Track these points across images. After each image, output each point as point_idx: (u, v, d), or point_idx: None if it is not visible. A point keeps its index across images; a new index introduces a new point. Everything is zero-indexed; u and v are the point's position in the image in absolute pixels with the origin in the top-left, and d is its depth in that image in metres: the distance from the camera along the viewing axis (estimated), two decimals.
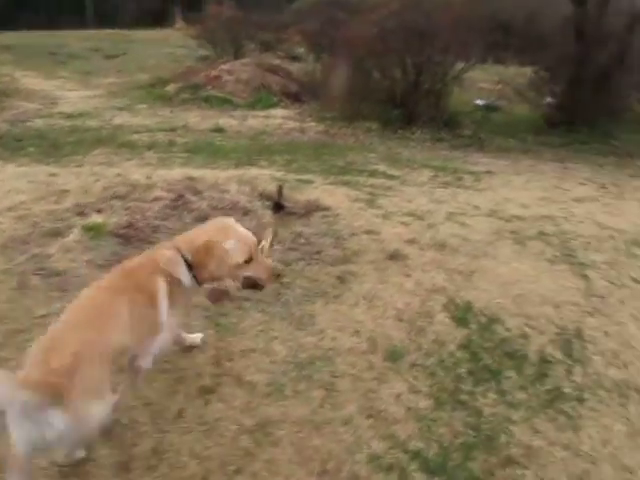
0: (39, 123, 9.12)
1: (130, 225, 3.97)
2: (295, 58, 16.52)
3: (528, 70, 13.06)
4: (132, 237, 3.83)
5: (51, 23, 31.36)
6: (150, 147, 7.51)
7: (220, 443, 2.35)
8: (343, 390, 2.69)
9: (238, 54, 16.13)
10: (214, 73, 12.89)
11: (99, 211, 4.23)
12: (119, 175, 5.38)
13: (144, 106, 11.44)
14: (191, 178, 5.32)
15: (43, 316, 2.96)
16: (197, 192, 4.80)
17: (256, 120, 10.45)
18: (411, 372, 2.85)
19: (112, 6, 40.58)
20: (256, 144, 8.43)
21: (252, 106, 11.81)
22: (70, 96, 12.66)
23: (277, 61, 14.74)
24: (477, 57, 12.27)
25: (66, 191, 4.74)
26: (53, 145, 7.44)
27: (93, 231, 3.84)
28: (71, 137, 8.05)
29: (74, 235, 3.79)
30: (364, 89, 10.57)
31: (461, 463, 2.37)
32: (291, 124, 10.25)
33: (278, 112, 11.34)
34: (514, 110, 13.14)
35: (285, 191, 5.03)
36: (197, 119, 10.17)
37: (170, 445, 2.30)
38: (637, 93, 13.10)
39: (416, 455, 2.39)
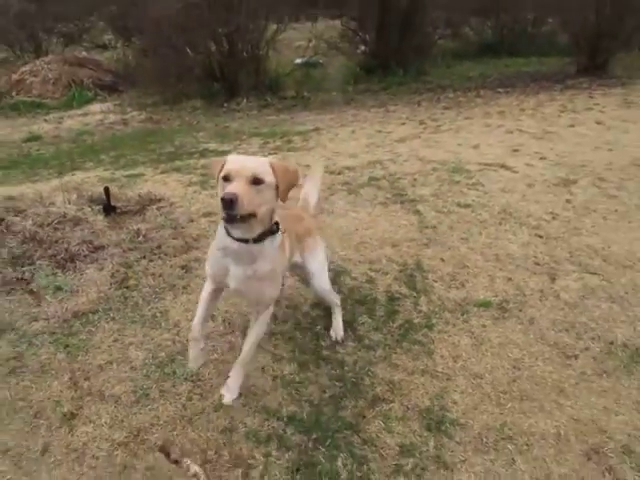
0: None
1: None
2: (103, 47, 15.69)
3: (338, 23, 13.44)
4: None
5: None
6: None
7: (93, 466, 2.27)
8: (208, 377, 2.69)
9: (39, 52, 14.99)
10: (16, 77, 11.95)
11: None
12: None
13: None
14: (10, 197, 4.93)
15: None
16: (19, 212, 4.46)
17: (74, 120, 9.87)
18: (271, 342, 2.90)
19: None
20: (78, 146, 7.97)
21: (67, 106, 11.14)
22: None
23: (84, 53, 13.87)
24: (288, 17, 12.40)
25: None
26: None
27: None
28: None
29: None
30: (180, 68, 10.30)
31: (333, 415, 2.47)
32: (112, 117, 9.80)
33: (96, 107, 10.78)
34: (332, 63, 13.52)
35: (114, 190, 4.84)
36: (7, 131, 9.40)
37: None
38: (439, 30, 14.01)
39: (290, 419, 2.45)
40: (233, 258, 2.18)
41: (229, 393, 2.43)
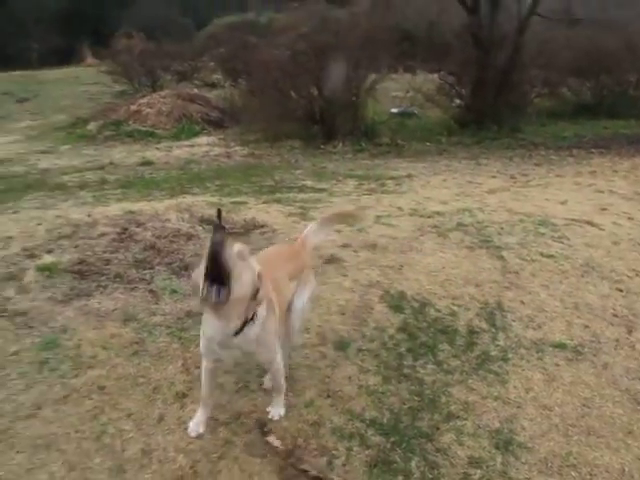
0: None
1: (82, 261, 4.19)
2: (212, 85, 16.87)
3: (435, 76, 13.91)
4: (86, 272, 4.05)
5: None
6: (82, 187, 7.66)
7: (200, 437, 2.66)
8: (301, 379, 3.04)
9: (155, 86, 16.32)
10: (134, 108, 13.07)
11: (49, 252, 4.42)
12: (59, 217, 5.54)
13: (67, 147, 11.50)
14: (131, 212, 5.56)
15: (16, 352, 3.17)
16: (140, 224, 5.06)
17: (182, 150, 10.72)
18: (359, 356, 3.23)
19: (15, 47, 39.69)
20: (186, 173, 8.69)
21: (176, 137, 12.06)
22: None
23: (195, 90, 15.00)
24: (387, 68, 13.00)
25: (10, 237, 4.88)
26: None
27: (48, 270, 4.04)
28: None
29: (29, 276, 3.98)
30: (283, 109, 11.01)
31: (410, 423, 2.76)
32: (217, 150, 10.58)
33: (203, 140, 11.64)
34: (427, 115, 13.96)
35: (222, 213, 5.38)
36: (123, 155, 10.34)
37: (157, 445, 2.58)
38: (536, 88, 14.17)
39: (372, 423, 2.76)
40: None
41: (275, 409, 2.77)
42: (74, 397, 2.83)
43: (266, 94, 11.11)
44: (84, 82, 24.39)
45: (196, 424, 2.67)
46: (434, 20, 17.49)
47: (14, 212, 6.16)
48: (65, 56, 37.75)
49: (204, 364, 2.63)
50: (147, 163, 9.48)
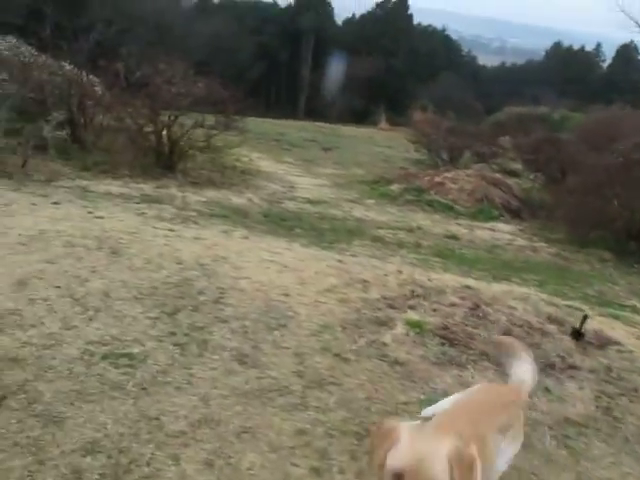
0: (290, 205, 10.06)
1: (446, 327, 4.19)
2: (510, 173, 16.73)
3: None
4: (452, 340, 4.03)
5: (268, 110, 35.09)
6: (400, 245, 7.95)
7: None
8: None
9: (455, 163, 16.72)
10: (438, 179, 13.46)
11: (411, 308, 4.53)
12: (400, 272, 5.74)
13: (372, 202, 12.18)
14: (468, 287, 5.53)
15: (405, 403, 3.20)
16: (487, 304, 4.97)
17: (483, 232, 10.65)
18: None
19: (321, 102, 44.48)
20: (495, 258, 8.56)
21: (474, 216, 12.08)
22: (301, 182, 13.84)
23: (497, 175, 15.02)
24: None
25: (366, 281, 5.15)
26: (313, 229, 8.16)
27: (417, 328, 4.11)
28: (324, 224, 8.76)
29: (400, 328, 4.09)
30: (600, 217, 10.38)
31: None
32: (520, 241, 10.30)
33: (502, 226, 11.47)
34: None
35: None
36: (427, 222, 10.60)
37: None
38: None
39: None
40: None
41: None
42: None
43: (585, 196, 10.59)
44: (378, 143, 26.21)
45: None
46: None
47: (352, 255, 6.58)
48: (361, 116, 41.26)
49: None
50: (453, 237, 9.57)
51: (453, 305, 4.79)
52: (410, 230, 9.48)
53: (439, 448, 1.76)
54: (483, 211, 12.34)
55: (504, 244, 9.80)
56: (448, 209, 12.26)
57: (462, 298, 4.99)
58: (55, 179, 9.14)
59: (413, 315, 4.34)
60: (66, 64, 12.25)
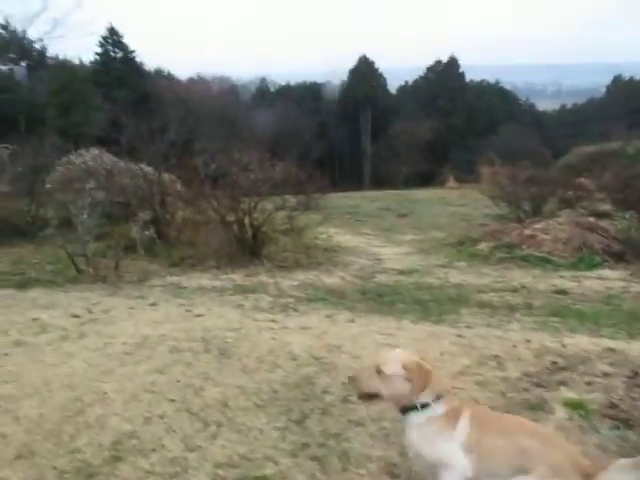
0: (383, 279, 9.68)
1: (614, 406, 3.64)
2: (599, 215, 15.81)
3: None
4: (627, 421, 3.45)
5: (334, 184, 35.44)
6: (510, 309, 7.36)
7: None
8: None
9: (540, 213, 16.02)
10: (528, 232, 12.81)
11: (561, 384, 4.00)
12: (528, 341, 5.21)
13: (463, 264, 11.64)
14: (611, 350, 4.93)
15: None
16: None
17: (591, 282, 9.86)
18: None
19: (386, 170, 44.75)
20: (615, 309, 7.80)
21: (574, 266, 11.29)
22: (385, 252, 13.52)
23: (590, 219, 14.19)
24: None
25: (497, 356, 4.65)
26: (414, 302, 7.72)
27: (580, 409, 3.58)
28: (424, 295, 8.29)
29: (560, 412, 3.56)
30: None
31: None
32: (636, 287, 9.44)
33: (609, 273, 10.63)
34: None
35: None
36: (528, 279, 9.93)
37: None
38: None
39: None
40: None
41: None
42: None
43: None
44: (451, 203, 25.77)
45: None
46: None
47: (467, 327, 6.09)
48: (426, 179, 41.14)
49: None
50: (561, 292, 8.85)
51: (607, 375, 4.21)
52: (514, 290, 8.86)
53: (395, 357, 2.52)
54: (584, 259, 11.53)
55: (619, 293, 8.99)
56: (546, 262, 11.54)
57: (612, 364, 4.41)
58: (147, 278, 9.19)
59: (569, 393, 3.80)
60: (144, 165, 12.71)
